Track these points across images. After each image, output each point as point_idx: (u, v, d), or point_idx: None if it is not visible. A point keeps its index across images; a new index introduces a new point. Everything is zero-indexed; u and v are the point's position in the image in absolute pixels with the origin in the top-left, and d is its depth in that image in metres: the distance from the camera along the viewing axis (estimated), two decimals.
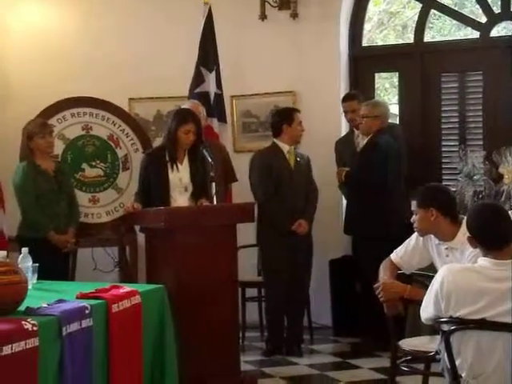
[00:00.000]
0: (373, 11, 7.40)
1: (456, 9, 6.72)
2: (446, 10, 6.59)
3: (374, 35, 7.65)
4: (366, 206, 5.54)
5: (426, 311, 3.01)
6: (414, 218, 3.68)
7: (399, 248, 3.89)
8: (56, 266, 4.63)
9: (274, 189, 5.47)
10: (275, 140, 5.61)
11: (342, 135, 6.22)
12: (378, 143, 5.56)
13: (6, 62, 6.62)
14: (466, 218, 3.15)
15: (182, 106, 5.47)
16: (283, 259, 5.45)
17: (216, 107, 6.19)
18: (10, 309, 3.05)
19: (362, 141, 5.85)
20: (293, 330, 5.64)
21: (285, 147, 5.58)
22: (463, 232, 3.50)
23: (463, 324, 2.84)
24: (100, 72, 6.52)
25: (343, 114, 6.11)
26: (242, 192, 5.86)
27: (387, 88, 8.42)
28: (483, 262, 2.91)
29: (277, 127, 5.58)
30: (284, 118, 5.56)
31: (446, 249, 3.63)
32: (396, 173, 5.57)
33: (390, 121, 5.90)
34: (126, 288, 3.66)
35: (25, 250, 3.73)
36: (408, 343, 3.80)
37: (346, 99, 6.04)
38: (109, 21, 6.68)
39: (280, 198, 5.46)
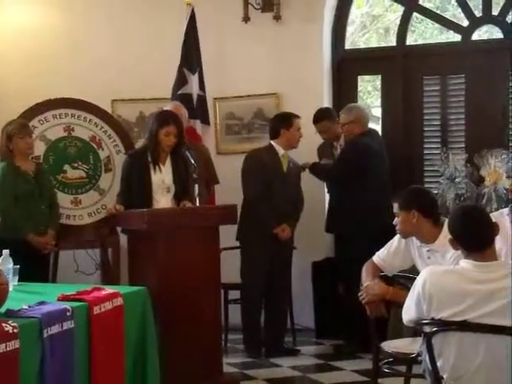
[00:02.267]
0: (355, 14, 7.43)
1: (438, 12, 6.75)
2: (428, 14, 6.62)
3: (357, 38, 7.68)
4: (345, 204, 5.58)
5: (408, 313, 3.02)
6: (396, 220, 3.69)
7: (381, 250, 3.91)
8: (37, 268, 4.60)
9: (265, 189, 5.47)
10: (272, 142, 5.63)
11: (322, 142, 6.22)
12: (355, 143, 5.61)
13: None
14: (447, 220, 3.16)
15: (164, 108, 5.46)
16: (263, 260, 5.45)
17: (199, 109, 6.19)
18: None
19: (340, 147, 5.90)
20: (273, 332, 5.64)
21: (280, 150, 5.61)
22: (445, 234, 3.52)
23: (445, 326, 2.85)
24: (82, 73, 6.50)
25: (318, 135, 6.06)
26: (224, 194, 5.85)
27: (370, 91, 8.45)
28: (465, 264, 2.92)
29: (275, 130, 5.63)
30: (283, 122, 5.61)
31: (428, 251, 3.65)
32: (376, 173, 5.59)
33: (372, 125, 5.94)
34: (108, 290, 3.65)
35: (6, 251, 3.70)
36: (390, 345, 3.82)
37: (315, 121, 5.92)
38: (92, 22, 6.66)
39: (269, 199, 5.47)
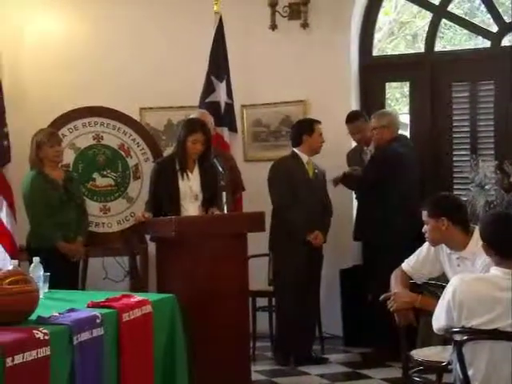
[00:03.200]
0: (383, 21, 7.41)
1: (467, 18, 6.71)
2: (456, 20, 6.59)
3: (385, 45, 7.66)
4: (374, 212, 5.55)
5: (438, 321, 2.99)
6: (425, 227, 3.67)
7: (410, 257, 3.88)
8: (66, 276, 4.63)
9: (293, 198, 5.47)
10: (295, 150, 5.62)
11: (353, 146, 6.21)
12: (385, 150, 5.60)
13: (19, 71, 6.65)
14: (478, 226, 3.13)
15: (191, 116, 5.48)
16: (296, 269, 5.43)
17: (226, 117, 6.20)
18: (21, 318, 3.05)
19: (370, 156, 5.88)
20: (302, 340, 5.62)
21: (304, 157, 5.60)
22: (475, 241, 3.50)
23: (476, 334, 2.82)
24: (111, 82, 6.54)
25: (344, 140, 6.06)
26: (252, 201, 5.86)
27: (398, 98, 8.42)
28: (496, 271, 2.89)
29: (297, 137, 5.61)
30: (305, 129, 5.60)
31: (458, 258, 3.62)
32: (406, 180, 5.55)
33: (400, 131, 5.91)
34: (137, 297, 3.66)
35: (36, 259, 3.73)
36: (420, 353, 3.78)
37: (349, 121, 5.95)
38: (120, 31, 6.70)
39: (298, 207, 5.46)
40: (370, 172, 5.66)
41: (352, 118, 5.97)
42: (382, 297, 3.72)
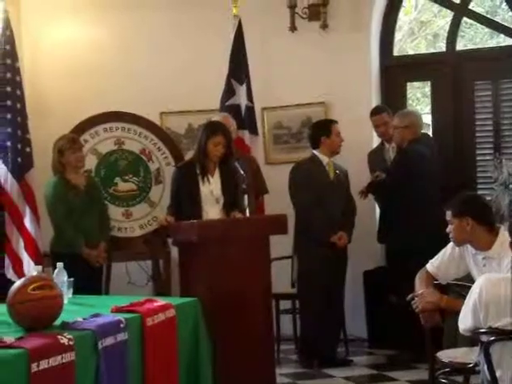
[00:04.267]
0: (403, 20, 7.37)
1: (488, 16, 6.65)
2: (478, 18, 6.53)
3: (405, 44, 7.62)
4: (398, 214, 5.51)
5: (465, 322, 2.96)
6: (450, 227, 3.63)
7: (435, 258, 3.85)
8: (90, 281, 4.65)
9: (314, 200, 5.44)
10: (314, 152, 5.61)
11: (374, 147, 6.18)
12: (406, 152, 5.57)
13: (40, 77, 6.70)
14: (503, 226, 3.09)
15: (212, 119, 5.48)
16: (320, 271, 5.41)
17: (247, 119, 6.19)
18: (46, 323, 3.06)
19: (392, 154, 5.84)
20: (327, 342, 5.59)
21: (324, 159, 5.57)
22: (501, 241, 3.47)
23: (503, 335, 2.79)
24: (131, 87, 6.56)
25: (374, 129, 6.05)
26: (274, 204, 5.84)
27: (419, 98, 8.37)
28: None
29: (315, 139, 5.59)
30: (322, 130, 5.58)
31: (483, 258, 3.58)
32: (429, 182, 5.51)
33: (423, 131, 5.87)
34: (161, 301, 3.66)
35: (60, 264, 3.75)
36: (446, 355, 3.74)
37: (375, 113, 5.98)
38: (140, 35, 6.72)
39: (320, 209, 5.44)
40: (393, 175, 5.61)
41: (376, 111, 5.98)
42: (408, 297, 3.68)
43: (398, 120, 5.68)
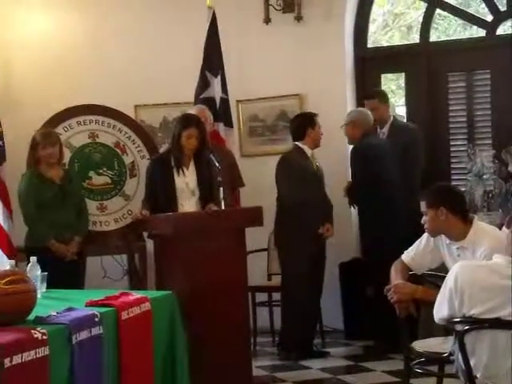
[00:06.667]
0: (377, 13, 7.37)
1: (461, 8, 6.68)
2: (451, 10, 6.56)
3: (379, 36, 7.61)
4: (371, 207, 5.53)
5: (440, 311, 2.97)
6: (425, 218, 3.65)
7: (410, 249, 3.87)
8: (64, 275, 4.59)
9: (303, 192, 5.44)
10: (298, 143, 5.59)
11: None
12: (355, 149, 5.67)
13: (12, 70, 6.63)
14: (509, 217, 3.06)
15: (188, 111, 5.45)
16: (306, 262, 5.41)
17: (222, 112, 6.17)
18: (19, 318, 3.03)
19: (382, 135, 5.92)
20: (307, 334, 5.60)
21: (308, 151, 5.58)
22: (474, 231, 3.49)
23: (477, 323, 2.80)
24: (105, 79, 6.51)
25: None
26: (249, 196, 5.84)
27: (394, 90, 8.38)
28: (498, 259, 2.87)
29: (301, 130, 5.60)
30: (308, 122, 5.60)
31: (458, 248, 3.60)
32: (387, 173, 5.53)
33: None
34: (136, 295, 3.64)
35: (33, 259, 3.72)
36: (421, 345, 3.76)
37: (366, 97, 6.04)
38: (113, 28, 6.67)
39: (309, 200, 5.43)
40: (355, 175, 5.66)
41: (368, 95, 6.05)
42: (385, 288, 3.69)
43: (345, 118, 5.79)
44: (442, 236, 3.67)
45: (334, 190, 5.75)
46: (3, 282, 3.01)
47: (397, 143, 5.73)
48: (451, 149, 6.27)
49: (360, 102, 6.31)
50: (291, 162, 5.56)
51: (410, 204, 5.53)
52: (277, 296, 5.91)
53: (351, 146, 5.82)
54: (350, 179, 5.88)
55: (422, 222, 3.67)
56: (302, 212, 5.42)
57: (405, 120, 6.59)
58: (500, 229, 3.62)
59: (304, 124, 5.61)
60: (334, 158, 6.01)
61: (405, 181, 5.63)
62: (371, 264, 5.50)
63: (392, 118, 6.00)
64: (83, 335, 3.09)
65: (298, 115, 5.88)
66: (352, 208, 5.94)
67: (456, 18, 6.98)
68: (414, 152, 5.77)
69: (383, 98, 5.99)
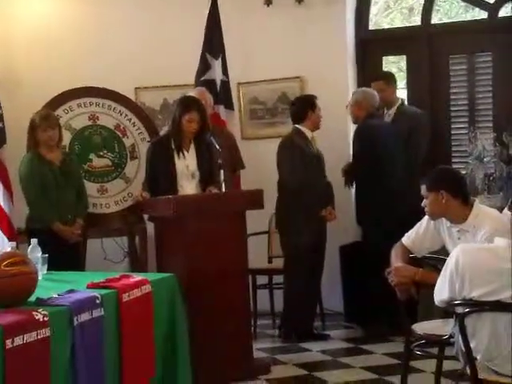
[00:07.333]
0: None
1: None
2: None
3: (381, 19, 7.56)
4: (370, 190, 5.54)
5: (441, 293, 2.97)
6: (425, 201, 3.64)
7: (410, 232, 3.87)
8: (65, 257, 4.61)
9: (306, 174, 5.43)
10: (298, 126, 5.57)
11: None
12: (358, 129, 5.70)
13: (12, 51, 6.60)
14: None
15: (188, 94, 5.43)
16: (309, 245, 5.42)
17: (223, 94, 6.16)
18: (20, 300, 3.04)
19: (388, 119, 5.93)
20: (308, 316, 5.62)
21: (308, 133, 5.57)
22: (475, 214, 3.49)
23: (478, 306, 2.81)
24: (105, 61, 6.48)
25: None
26: (249, 179, 5.83)
27: (395, 72, 8.34)
28: (499, 242, 2.87)
29: (302, 113, 5.58)
30: (308, 104, 5.57)
31: (458, 231, 3.60)
32: (388, 155, 5.53)
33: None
34: (137, 277, 3.66)
35: (34, 240, 3.72)
36: (421, 327, 3.77)
37: (373, 79, 6.04)
38: (114, 10, 6.63)
39: (312, 183, 5.42)
40: (357, 154, 5.65)
41: (375, 77, 6.06)
42: (386, 271, 3.69)
43: (350, 99, 5.77)
44: (443, 219, 3.67)
45: (334, 173, 5.74)
46: (4, 263, 3.02)
47: (401, 127, 5.73)
48: (452, 132, 6.25)
49: (361, 84, 6.29)
50: (292, 144, 5.54)
51: (410, 187, 5.52)
52: (277, 279, 5.93)
53: (353, 130, 5.81)
54: (350, 161, 5.87)
55: (423, 205, 3.67)
56: (303, 195, 5.41)
57: (406, 103, 6.57)
58: (501, 212, 3.62)
59: (305, 107, 5.59)
60: (334, 141, 6.00)
61: (405, 164, 5.62)
62: (371, 247, 5.50)
63: (400, 100, 5.99)
64: (84, 317, 3.11)
65: (298, 98, 5.86)
66: (348, 188, 5.92)
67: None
68: (416, 139, 5.76)
69: (390, 79, 6.00)
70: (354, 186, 5.94)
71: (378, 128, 5.64)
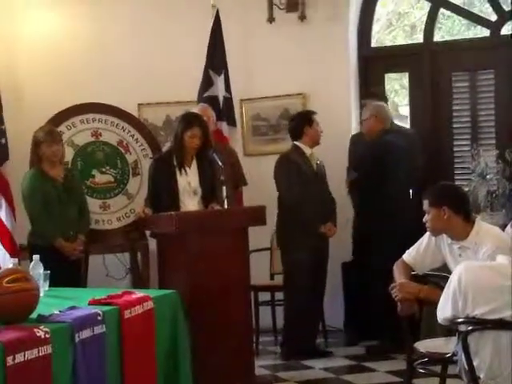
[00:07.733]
0: (381, 12, 7.36)
1: (465, 8, 6.67)
2: (455, 9, 6.55)
3: (383, 36, 7.62)
4: (373, 204, 5.53)
5: (443, 311, 2.96)
6: (427, 217, 3.64)
7: (411, 248, 3.86)
8: (67, 274, 4.60)
9: (302, 191, 5.43)
10: (296, 143, 5.58)
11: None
12: (376, 143, 5.63)
13: (18, 69, 6.62)
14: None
15: (191, 110, 5.44)
16: (308, 262, 5.41)
17: (225, 111, 6.18)
18: (22, 316, 3.03)
19: None
20: (310, 334, 5.59)
21: (307, 150, 5.56)
22: (476, 231, 3.48)
23: (481, 324, 2.80)
24: (108, 78, 6.50)
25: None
26: (252, 195, 5.83)
27: (397, 89, 8.38)
28: (502, 260, 2.87)
29: (298, 130, 5.58)
30: (305, 120, 5.57)
31: (459, 248, 3.59)
32: (397, 172, 5.52)
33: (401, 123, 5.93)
34: (139, 294, 3.64)
35: (36, 257, 3.71)
36: (424, 345, 3.75)
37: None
38: (117, 27, 6.66)
39: (308, 200, 5.42)
40: (365, 168, 5.65)
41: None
42: (390, 287, 3.68)
43: (363, 113, 5.75)
44: (444, 236, 3.66)
45: (336, 189, 5.74)
46: (6, 280, 3.01)
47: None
48: (455, 149, 6.26)
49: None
50: (288, 161, 5.55)
51: (410, 204, 5.53)
52: (279, 295, 5.91)
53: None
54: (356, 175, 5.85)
55: (424, 220, 3.66)
56: (301, 211, 5.41)
57: (408, 120, 6.58)
58: (503, 229, 3.62)
59: (301, 123, 5.58)
60: (337, 157, 5.99)
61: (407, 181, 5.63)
62: (373, 264, 5.48)
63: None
64: (86, 334, 3.09)
65: (295, 115, 5.86)
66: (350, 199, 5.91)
67: (460, 17, 6.98)
68: (413, 158, 5.74)
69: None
70: (356, 203, 5.93)
71: (391, 145, 5.59)
